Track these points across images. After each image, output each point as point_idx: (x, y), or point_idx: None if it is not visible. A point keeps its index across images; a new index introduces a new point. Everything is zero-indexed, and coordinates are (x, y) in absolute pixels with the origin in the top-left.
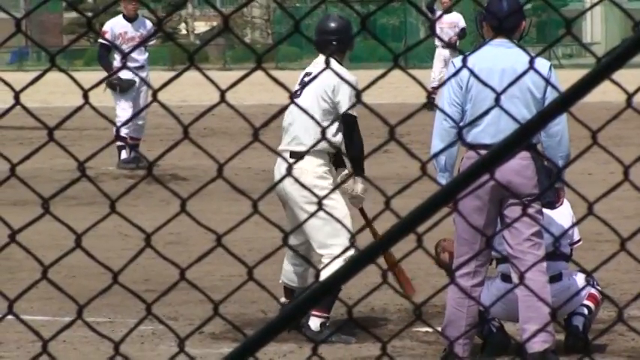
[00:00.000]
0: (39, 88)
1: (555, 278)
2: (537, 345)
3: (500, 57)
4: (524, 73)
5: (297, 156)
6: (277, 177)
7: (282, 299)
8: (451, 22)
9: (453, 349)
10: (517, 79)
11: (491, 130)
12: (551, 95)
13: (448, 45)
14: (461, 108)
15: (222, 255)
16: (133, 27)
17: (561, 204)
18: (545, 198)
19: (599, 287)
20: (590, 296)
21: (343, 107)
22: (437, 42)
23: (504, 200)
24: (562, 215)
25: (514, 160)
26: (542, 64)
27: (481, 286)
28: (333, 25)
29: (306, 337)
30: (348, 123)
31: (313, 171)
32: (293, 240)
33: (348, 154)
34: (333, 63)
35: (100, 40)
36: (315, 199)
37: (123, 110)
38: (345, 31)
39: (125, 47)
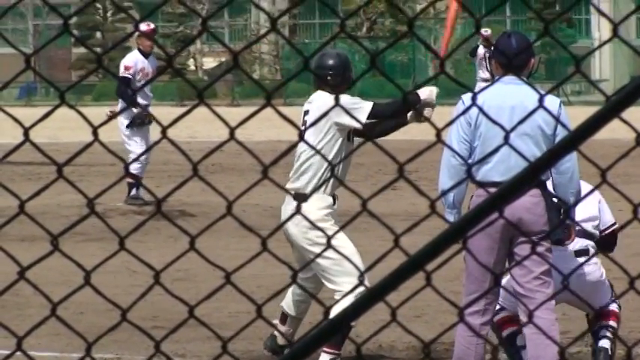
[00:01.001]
0: (47, 123)
1: (581, 253)
2: None
3: (510, 94)
4: (535, 110)
5: (301, 198)
6: (283, 216)
7: (275, 321)
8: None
9: None
10: (527, 117)
11: (501, 168)
12: (561, 132)
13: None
14: (469, 145)
15: (230, 292)
16: (149, 63)
17: (572, 241)
18: (555, 235)
19: (618, 302)
20: (613, 314)
21: (355, 122)
22: (480, 75)
23: (515, 238)
24: (588, 203)
25: (525, 197)
26: (553, 101)
27: (489, 324)
28: (329, 61)
29: None
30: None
31: (315, 213)
32: (300, 274)
33: (397, 122)
34: (325, 94)
35: (124, 74)
36: (318, 241)
37: (137, 146)
38: (341, 66)
39: (141, 83)
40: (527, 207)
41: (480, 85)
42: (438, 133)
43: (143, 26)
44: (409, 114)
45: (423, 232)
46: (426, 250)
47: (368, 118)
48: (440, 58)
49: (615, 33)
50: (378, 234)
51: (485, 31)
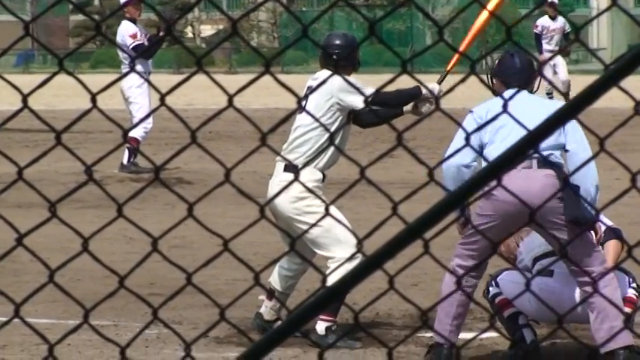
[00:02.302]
0: (44, 90)
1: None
2: (621, 341)
3: (517, 103)
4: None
5: (292, 169)
6: (270, 187)
7: (261, 297)
8: (561, 27)
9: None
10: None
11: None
12: (570, 138)
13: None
14: (475, 156)
15: (227, 259)
16: (140, 30)
17: (599, 237)
18: (579, 217)
19: (635, 285)
20: (628, 301)
21: (357, 102)
22: (545, 47)
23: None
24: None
25: (539, 176)
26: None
27: (478, 278)
28: (336, 40)
29: (312, 342)
30: (374, 104)
31: (308, 184)
32: (290, 259)
33: (394, 112)
34: (330, 73)
35: (136, 43)
36: (306, 210)
37: (142, 109)
38: (347, 46)
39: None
40: (541, 185)
41: (546, 55)
42: (437, 100)
43: None
44: (407, 106)
45: (420, 200)
46: (425, 218)
47: (368, 103)
48: (439, 26)
49: (614, 1)
50: (376, 202)
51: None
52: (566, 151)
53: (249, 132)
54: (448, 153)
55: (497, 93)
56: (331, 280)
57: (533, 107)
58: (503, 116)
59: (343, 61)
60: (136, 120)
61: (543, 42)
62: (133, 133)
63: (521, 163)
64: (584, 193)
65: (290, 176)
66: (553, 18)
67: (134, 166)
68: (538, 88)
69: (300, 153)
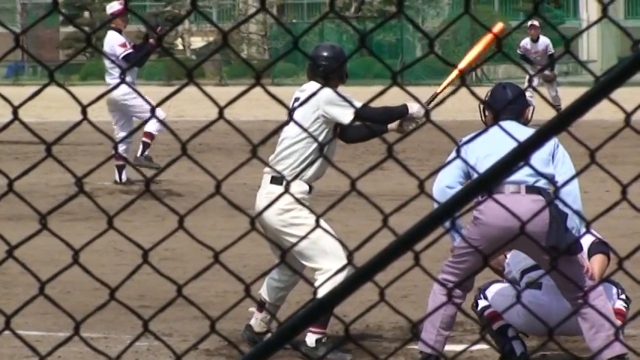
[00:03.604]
0: (34, 102)
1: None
2: (618, 349)
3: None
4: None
5: (278, 182)
6: (258, 199)
7: (251, 309)
8: (543, 50)
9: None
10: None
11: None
12: (559, 169)
13: (548, 80)
14: (462, 179)
15: (217, 271)
16: (127, 40)
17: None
18: (560, 244)
19: (624, 296)
20: (617, 313)
21: (343, 116)
22: (530, 71)
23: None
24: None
25: (526, 202)
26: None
27: (467, 291)
28: (323, 52)
29: (302, 354)
30: (360, 120)
31: (289, 196)
32: (280, 271)
33: (379, 128)
34: (318, 85)
35: (126, 52)
36: (292, 222)
37: (144, 106)
38: (334, 58)
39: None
40: (529, 210)
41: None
42: (427, 113)
43: (116, 6)
44: (392, 124)
45: (410, 212)
46: (415, 230)
47: (354, 118)
48: (429, 38)
49: (605, 13)
50: (366, 214)
51: (533, 23)
52: (555, 182)
53: (240, 144)
54: (438, 179)
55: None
56: (321, 292)
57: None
58: (491, 145)
59: (331, 73)
60: (144, 117)
61: (528, 66)
62: (147, 128)
63: (510, 187)
64: (569, 222)
65: (276, 188)
66: (534, 40)
67: (147, 160)
68: (531, 120)
69: (286, 165)
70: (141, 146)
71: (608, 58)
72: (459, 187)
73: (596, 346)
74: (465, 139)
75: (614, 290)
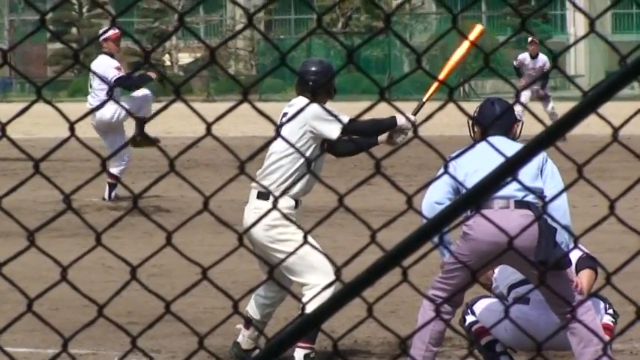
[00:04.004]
0: (22, 119)
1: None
2: None
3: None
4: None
5: (264, 197)
6: (246, 214)
7: (239, 325)
8: (540, 67)
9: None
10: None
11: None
12: (550, 183)
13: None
14: (450, 195)
15: (205, 287)
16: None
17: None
18: (549, 259)
19: (611, 311)
20: (605, 328)
21: (330, 131)
22: (523, 93)
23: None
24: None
25: (515, 217)
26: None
27: (457, 307)
28: (312, 67)
29: None
30: (350, 134)
31: (277, 212)
32: (267, 287)
33: (369, 141)
34: (305, 100)
35: (119, 75)
36: (279, 238)
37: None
38: (322, 73)
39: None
40: (518, 225)
41: (523, 93)
42: (415, 128)
43: (110, 30)
44: (382, 136)
45: (398, 227)
46: (403, 246)
47: (342, 132)
48: (417, 53)
49: (592, 28)
50: (354, 229)
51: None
52: (544, 196)
53: (227, 160)
54: (427, 195)
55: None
56: (309, 308)
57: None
58: (479, 160)
59: (319, 88)
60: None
61: (520, 81)
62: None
63: (499, 202)
64: (558, 237)
65: (263, 203)
66: (533, 57)
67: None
68: (520, 135)
69: (273, 180)
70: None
71: (595, 73)
72: (447, 203)
73: None
74: (453, 155)
75: (602, 305)
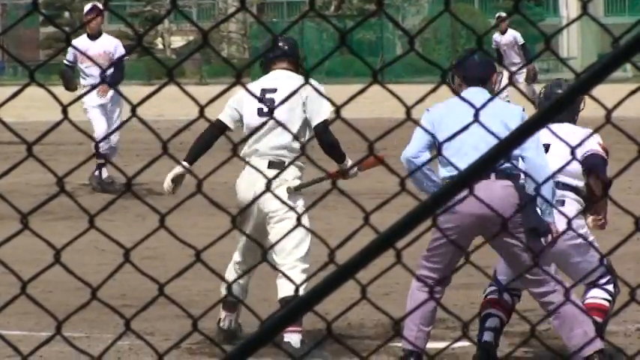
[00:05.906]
0: (14, 102)
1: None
2: (599, 344)
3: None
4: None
5: (277, 166)
6: (250, 186)
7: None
8: (510, 42)
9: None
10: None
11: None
12: (527, 143)
13: (534, 79)
14: (425, 149)
15: (198, 270)
16: (95, 45)
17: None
18: (531, 224)
19: (610, 288)
20: (598, 309)
21: (318, 115)
22: (511, 60)
23: (489, 232)
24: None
25: (496, 188)
26: (515, 110)
27: (445, 285)
28: (282, 41)
29: (287, 354)
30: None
31: (291, 183)
32: (239, 258)
33: (334, 152)
34: (294, 75)
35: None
36: (288, 208)
37: (100, 126)
38: (294, 45)
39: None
40: (501, 196)
41: (512, 69)
42: (408, 110)
43: (87, 7)
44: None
45: (391, 210)
46: (397, 228)
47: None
48: (409, 36)
49: (585, 10)
50: (347, 212)
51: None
52: (522, 158)
53: (220, 143)
54: (404, 150)
55: (456, 93)
56: (284, 284)
57: (491, 111)
58: (459, 117)
59: (295, 58)
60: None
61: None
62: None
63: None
64: (540, 200)
65: (275, 172)
66: (503, 33)
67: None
68: (500, 89)
69: (285, 154)
70: (97, 170)
71: (588, 55)
72: (422, 157)
73: (575, 343)
74: (431, 108)
75: (603, 280)
